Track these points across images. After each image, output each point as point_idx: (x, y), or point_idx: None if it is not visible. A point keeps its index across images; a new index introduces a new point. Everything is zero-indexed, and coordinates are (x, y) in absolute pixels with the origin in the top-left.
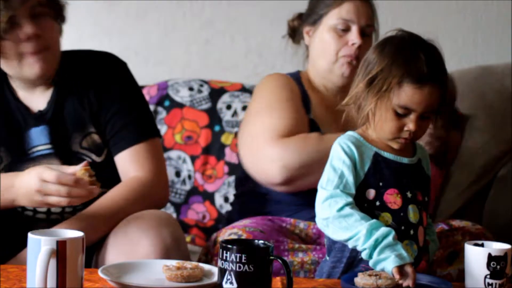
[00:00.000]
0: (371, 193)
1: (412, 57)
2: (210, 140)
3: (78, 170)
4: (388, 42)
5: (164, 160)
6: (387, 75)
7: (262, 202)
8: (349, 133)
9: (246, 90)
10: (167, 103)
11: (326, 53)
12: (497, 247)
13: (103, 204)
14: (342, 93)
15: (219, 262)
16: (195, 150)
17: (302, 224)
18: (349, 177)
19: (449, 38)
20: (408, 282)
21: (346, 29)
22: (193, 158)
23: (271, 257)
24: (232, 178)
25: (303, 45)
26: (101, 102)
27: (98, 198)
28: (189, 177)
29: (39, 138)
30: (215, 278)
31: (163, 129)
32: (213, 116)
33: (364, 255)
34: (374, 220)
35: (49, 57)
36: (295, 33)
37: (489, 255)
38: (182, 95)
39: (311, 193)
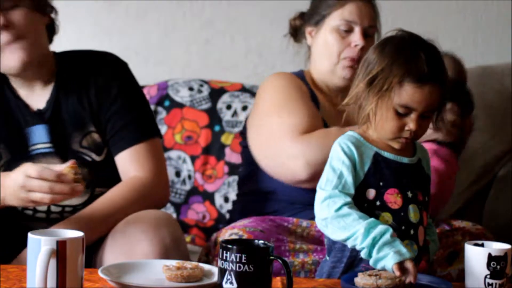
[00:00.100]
0: (371, 193)
1: (413, 56)
2: (210, 140)
3: (64, 167)
4: (388, 42)
5: (164, 160)
6: (387, 75)
7: (265, 201)
8: (349, 133)
9: (246, 90)
10: (167, 103)
11: (328, 54)
12: (497, 247)
13: (103, 203)
14: (342, 93)
15: (219, 262)
16: (195, 150)
17: (305, 223)
18: (348, 178)
19: (449, 38)
20: (409, 278)
21: (349, 30)
22: (193, 158)
23: (271, 257)
24: (232, 178)
25: (304, 44)
26: (101, 101)
27: (98, 197)
28: (189, 177)
29: (39, 136)
30: (215, 278)
31: (163, 129)
32: (213, 116)
33: (363, 254)
34: (372, 219)
35: (25, 46)
36: (296, 32)
37: (489, 255)
38: (182, 95)
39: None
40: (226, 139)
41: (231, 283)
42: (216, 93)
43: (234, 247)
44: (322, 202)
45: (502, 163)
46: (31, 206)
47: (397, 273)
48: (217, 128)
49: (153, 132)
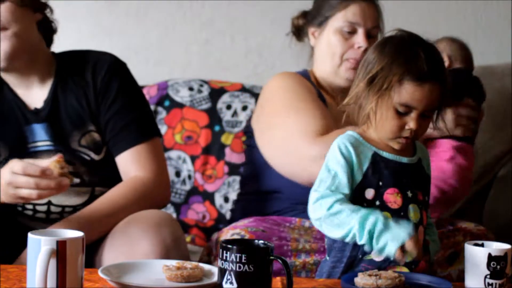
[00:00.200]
0: (370, 192)
1: (412, 55)
2: (210, 140)
3: (50, 162)
4: (388, 41)
5: (165, 160)
6: (387, 74)
7: (268, 201)
8: (349, 132)
9: (246, 90)
10: (167, 103)
11: (331, 56)
12: (497, 247)
13: (103, 203)
14: (343, 93)
15: (219, 262)
16: (195, 150)
17: (307, 223)
18: (343, 178)
19: None
20: (412, 254)
21: (352, 32)
22: (193, 158)
23: (271, 257)
24: (232, 178)
25: (306, 43)
26: (100, 101)
27: (98, 197)
28: (189, 177)
29: (38, 134)
30: (215, 278)
31: (163, 129)
32: (213, 116)
33: (367, 248)
34: (363, 211)
35: (6, 37)
36: (299, 32)
37: (489, 255)
38: (182, 95)
39: None
40: (226, 139)
41: (231, 283)
42: (216, 93)
43: (234, 247)
44: (314, 203)
45: (502, 163)
46: (20, 203)
47: (400, 258)
48: (217, 128)
49: (153, 132)
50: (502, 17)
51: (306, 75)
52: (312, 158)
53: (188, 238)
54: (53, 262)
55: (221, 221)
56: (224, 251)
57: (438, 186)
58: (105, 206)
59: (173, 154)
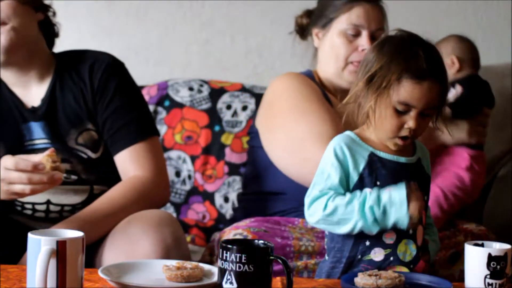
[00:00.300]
0: None
1: (411, 54)
2: (210, 140)
3: (42, 156)
4: (387, 41)
5: (164, 159)
6: (386, 72)
7: (271, 202)
8: (346, 133)
9: (246, 90)
10: (167, 103)
11: (335, 58)
12: (497, 247)
13: (103, 203)
14: (344, 93)
15: (219, 262)
16: (195, 150)
17: (310, 225)
18: (335, 179)
19: None
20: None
21: (356, 34)
22: (193, 158)
23: (271, 257)
24: (232, 178)
25: (309, 42)
26: (98, 101)
27: (97, 196)
28: (189, 177)
29: (36, 132)
30: (215, 278)
31: (163, 129)
32: (213, 116)
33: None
34: (355, 199)
35: (5, 31)
36: (303, 30)
37: (489, 255)
38: (182, 95)
39: None
40: (226, 139)
41: (231, 283)
42: (216, 93)
43: (234, 247)
44: (309, 208)
45: (502, 163)
46: (14, 199)
47: (415, 212)
48: (217, 128)
49: (152, 131)
50: (502, 17)
51: (311, 76)
52: None
53: (188, 238)
54: (53, 262)
55: (221, 221)
56: (224, 251)
57: (457, 194)
58: (105, 206)
59: (173, 154)
